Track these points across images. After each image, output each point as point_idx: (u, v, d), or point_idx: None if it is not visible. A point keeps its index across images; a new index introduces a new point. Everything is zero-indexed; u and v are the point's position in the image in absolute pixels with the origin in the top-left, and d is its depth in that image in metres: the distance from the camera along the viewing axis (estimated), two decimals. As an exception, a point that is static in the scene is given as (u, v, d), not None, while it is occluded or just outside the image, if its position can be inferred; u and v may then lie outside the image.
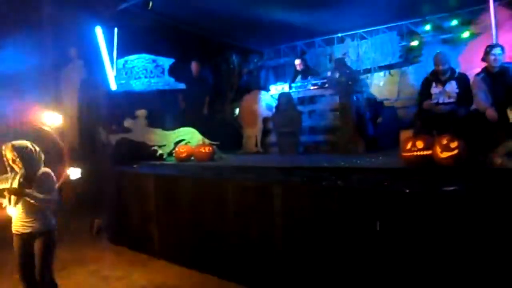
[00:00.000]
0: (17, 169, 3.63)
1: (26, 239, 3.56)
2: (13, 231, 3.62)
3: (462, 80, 5.28)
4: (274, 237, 4.50)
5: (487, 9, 6.40)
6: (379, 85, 9.03)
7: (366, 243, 3.69)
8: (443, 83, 5.33)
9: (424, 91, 5.50)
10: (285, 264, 4.37)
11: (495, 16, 6.20)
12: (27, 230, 3.55)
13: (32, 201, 3.46)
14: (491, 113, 4.68)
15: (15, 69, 6.76)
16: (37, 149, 3.71)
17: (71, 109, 7.97)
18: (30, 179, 3.57)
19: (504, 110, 4.49)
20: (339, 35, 9.76)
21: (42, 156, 3.74)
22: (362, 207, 3.76)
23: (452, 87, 5.28)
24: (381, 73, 9.17)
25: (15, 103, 6.55)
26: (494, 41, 5.89)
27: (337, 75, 7.29)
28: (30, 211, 3.54)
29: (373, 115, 7.44)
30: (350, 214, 3.84)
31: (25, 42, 6.81)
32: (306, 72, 8.65)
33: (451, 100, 5.26)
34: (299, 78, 8.54)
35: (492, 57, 4.95)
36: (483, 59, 5.07)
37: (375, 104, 7.73)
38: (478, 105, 4.94)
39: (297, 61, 8.85)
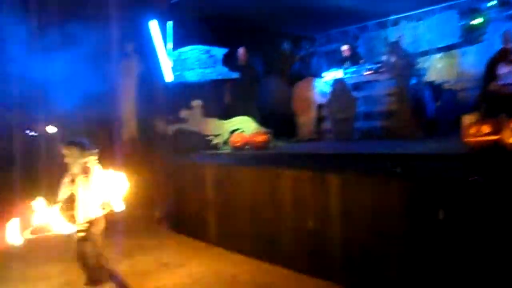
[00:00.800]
0: (74, 169, 3.61)
1: None
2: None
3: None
4: (331, 227, 4.45)
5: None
6: (438, 67, 8.67)
7: (428, 234, 3.57)
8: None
9: (490, 72, 5.23)
10: (342, 255, 4.32)
11: None
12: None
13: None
14: None
15: (75, 65, 7.10)
16: (89, 150, 3.65)
17: (130, 101, 8.24)
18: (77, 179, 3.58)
19: None
20: (393, 17, 9.43)
21: (93, 158, 3.68)
22: (424, 196, 3.64)
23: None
24: (439, 55, 8.79)
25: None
26: None
27: (392, 59, 7.08)
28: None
29: (431, 99, 7.18)
30: (411, 203, 3.72)
31: (86, 38, 7.09)
32: (354, 58, 8.45)
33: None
34: (347, 64, 8.35)
35: None
36: None
37: (433, 88, 7.46)
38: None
39: (344, 47, 8.66)
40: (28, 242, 3.29)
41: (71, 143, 3.64)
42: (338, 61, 8.71)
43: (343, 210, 4.31)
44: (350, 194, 4.26)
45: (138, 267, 5.17)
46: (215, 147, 7.25)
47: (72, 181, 3.57)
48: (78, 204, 3.52)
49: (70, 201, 3.53)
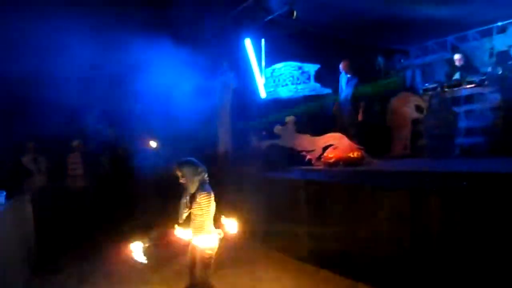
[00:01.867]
0: (190, 188, 3.79)
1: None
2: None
3: None
4: (429, 249, 4.26)
5: None
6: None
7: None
8: None
9: None
10: (440, 277, 4.11)
11: None
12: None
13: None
14: None
15: (177, 84, 7.57)
16: (201, 168, 3.82)
17: (225, 116, 8.57)
18: (192, 198, 3.75)
19: None
20: (499, 24, 8.82)
21: (205, 175, 3.83)
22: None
23: None
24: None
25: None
26: None
27: (499, 70, 6.64)
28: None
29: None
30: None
31: (186, 57, 7.55)
32: (467, 68, 8.01)
33: None
34: (457, 75, 7.93)
35: None
36: None
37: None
38: None
39: (457, 56, 8.23)
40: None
41: (184, 163, 3.81)
42: (444, 72, 8.33)
43: (443, 232, 4.12)
44: (451, 214, 4.06)
45: (231, 280, 5.31)
46: (308, 163, 7.27)
47: (190, 200, 3.76)
48: (198, 221, 3.75)
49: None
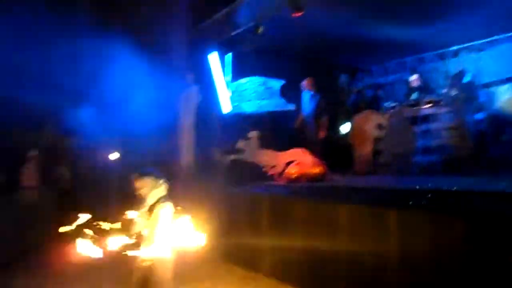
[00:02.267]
0: (147, 200, 3.63)
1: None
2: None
3: None
4: (387, 265, 4.34)
5: None
6: (502, 100, 8.33)
7: (494, 276, 3.40)
8: None
9: None
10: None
11: None
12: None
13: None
14: None
15: (138, 95, 7.47)
16: (162, 180, 3.69)
17: (188, 130, 8.49)
18: (150, 211, 3.58)
19: None
20: (454, 48, 9.23)
21: (165, 188, 3.70)
22: (489, 235, 3.49)
23: None
24: (505, 87, 8.45)
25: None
26: None
27: (453, 92, 6.92)
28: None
29: (496, 133, 6.91)
30: (476, 243, 3.57)
31: (148, 68, 7.47)
32: (423, 89, 8.30)
33: None
34: (414, 95, 8.21)
35: None
36: None
37: (497, 122, 7.18)
38: None
39: (413, 77, 8.52)
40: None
41: (145, 174, 3.66)
42: (402, 92, 8.58)
43: (401, 247, 4.20)
44: (409, 230, 4.16)
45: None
46: (271, 178, 7.29)
47: (146, 212, 3.59)
48: (149, 235, 3.53)
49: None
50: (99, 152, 8.52)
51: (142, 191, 3.63)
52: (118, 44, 7.52)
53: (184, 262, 3.81)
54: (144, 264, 3.58)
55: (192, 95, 8.27)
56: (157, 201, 3.60)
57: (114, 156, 8.15)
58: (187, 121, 8.43)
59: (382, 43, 8.53)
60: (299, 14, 6.75)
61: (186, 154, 8.38)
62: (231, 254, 6.83)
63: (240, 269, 6.40)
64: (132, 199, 3.73)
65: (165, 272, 3.63)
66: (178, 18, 8.57)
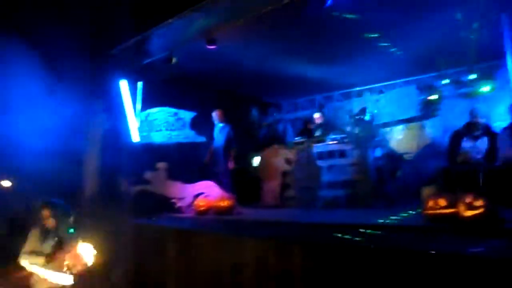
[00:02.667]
0: (50, 228, 3.55)
1: None
2: None
3: (493, 136, 5.22)
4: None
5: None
6: (398, 139, 9.00)
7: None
8: (476, 138, 5.27)
9: (455, 144, 5.44)
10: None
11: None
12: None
13: None
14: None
15: (43, 120, 7.01)
16: (71, 210, 3.66)
17: (94, 158, 8.08)
18: (62, 244, 3.52)
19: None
20: (357, 89, 9.86)
21: (73, 218, 3.66)
22: (387, 267, 3.65)
23: (483, 143, 5.21)
24: (400, 127, 9.15)
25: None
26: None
27: (355, 129, 7.32)
28: None
29: (392, 169, 7.38)
30: (376, 274, 3.72)
31: (54, 91, 7.07)
32: (325, 126, 8.69)
33: (479, 156, 5.20)
34: (318, 132, 8.56)
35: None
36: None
37: (395, 159, 7.69)
38: (503, 159, 4.87)
39: (316, 115, 8.92)
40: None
41: (57, 204, 3.61)
42: (307, 129, 8.92)
43: (305, 280, 4.25)
44: (313, 263, 4.23)
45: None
46: (179, 210, 7.14)
47: (57, 243, 3.51)
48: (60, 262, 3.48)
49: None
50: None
51: (51, 221, 3.53)
52: (25, 66, 7.09)
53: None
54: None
55: (99, 122, 7.93)
56: (66, 231, 3.55)
57: (5, 183, 7.49)
58: (93, 148, 8.04)
59: (293, 80, 8.90)
60: (213, 46, 6.83)
61: (91, 183, 7.94)
62: (135, 284, 6.52)
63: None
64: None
65: None
66: (88, 41, 8.26)
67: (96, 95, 8.23)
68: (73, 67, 7.99)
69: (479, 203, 3.87)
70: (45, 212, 3.55)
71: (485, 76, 8.01)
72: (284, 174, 8.07)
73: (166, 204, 7.18)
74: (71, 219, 3.65)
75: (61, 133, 7.19)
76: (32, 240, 3.55)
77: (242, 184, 8.18)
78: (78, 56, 8.10)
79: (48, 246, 3.55)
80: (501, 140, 4.95)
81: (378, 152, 7.39)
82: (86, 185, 7.92)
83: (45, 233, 3.59)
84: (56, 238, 3.55)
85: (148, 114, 8.20)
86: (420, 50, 7.16)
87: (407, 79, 9.17)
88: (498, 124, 5.73)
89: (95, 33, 7.94)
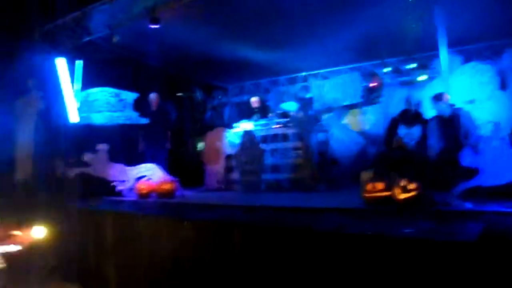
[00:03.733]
0: None
1: None
2: None
3: (425, 124, 5.44)
4: (234, 281, 4.39)
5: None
6: (340, 124, 9.19)
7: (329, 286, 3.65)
8: (410, 125, 5.48)
9: (392, 131, 5.63)
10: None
11: (448, 61, 6.44)
12: None
13: None
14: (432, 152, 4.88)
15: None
16: None
17: (27, 140, 7.68)
18: None
19: (456, 153, 4.62)
20: (303, 74, 9.95)
21: None
22: (324, 249, 3.74)
23: (417, 130, 5.43)
24: (343, 112, 9.36)
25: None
26: (446, 86, 6.14)
27: (299, 114, 7.41)
28: None
29: (334, 155, 7.56)
30: (312, 256, 3.80)
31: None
32: (263, 110, 8.75)
33: (413, 142, 5.42)
34: (257, 116, 8.59)
35: (442, 105, 5.14)
36: (434, 106, 5.26)
37: (336, 143, 7.88)
38: (429, 148, 5.10)
39: (254, 99, 8.96)
40: None
41: None
42: (248, 113, 8.93)
43: (246, 262, 4.28)
44: (253, 246, 4.26)
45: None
46: (120, 194, 6.96)
47: None
48: None
49: None
50: None
51: None
52: None
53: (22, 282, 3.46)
54: None
55: (32, 102, 7.52)
56: None
57: None
58: (26, 130, 7.63)
59: (239, 63, 8.84)
60: (156, 25, 6.63)
61: (24, 167, 7.55)
62: (75, 274, 6.27)
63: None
64: None
65: None
66: (22, 15, 7.78)
67: (29, 73, 7.79)
68: (3, 44, 7.51)
69: (412, 186, 4.05)
70: None
71: (423, 65, 8.34)
72: (228, 157, 8.05)
73: (106, 188, 6.96)
74: None
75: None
76: None
77: (186, 167, 8.09)
78: (9, 31, 7.64)
79: None
80: (429, 130, 5.16)
81: (321, 137, 7.54)
82: (19, 169, 7.54)
83: None
84: None
85: (88, 95, 7.87)
86: (363, 37, 7.32)
87: (351, 65, 9.34)
88: (431, 113, 5.99)
89: (28, 8, 7.50)
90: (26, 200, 6.98)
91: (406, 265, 3.25)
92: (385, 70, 8.99)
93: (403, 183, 4.13)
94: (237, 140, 7.88)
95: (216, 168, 8.09)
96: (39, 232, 3.56)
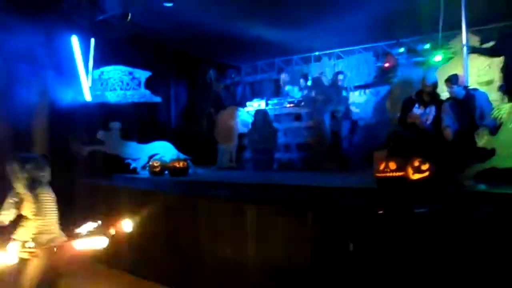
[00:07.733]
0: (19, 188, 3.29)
1: None
2: None
3: (440, 105, 5.36)
4: (247, 258, 4.44)
5: (458, 34, 6.55)
6: (354, 104, 9.12)
7: (340, 264, 3.68)
8: (426, 105, 5.42)
9: (407, 110, 5.58)
10: (257, 282, 4.32)
11: (467, 41, 6.32)
12: None
13: None
14: (447, 133, 4.82)
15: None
16: (29, 164, 3.34)
17: (42, 119, 7.74)
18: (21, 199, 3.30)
19: (471, 135, 4.56)
20: (316, 53, 9.85)
21: (36, 173, 3.38)
22: (336, 227, 3.77)
23: (431, 110, 5.36)
24: (356, 93, 9.28)
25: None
26: (464, 66, 6.03)
27: (312, 93, 7.36)
28: None
29: (347, 134, 7.53)
30: (324, 234, 3.83)
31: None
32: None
33: (428, 122, 5.36)
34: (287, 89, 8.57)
35: (456, 88, 5.04)
36: (448, 88, 5.16)
37: (350, 123, 7.83)
38: (443, 129, 5.03)
39: (283, 75, 8.94)
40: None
41: (11, 159, 3.35)
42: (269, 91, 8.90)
43: (258, 240, 4.33)
44: (265, 224, 4.30)
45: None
46: (133, 171, 7.04)
47: (18, 201, 3.28)
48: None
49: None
50: None
51: (11, 177, 3.33)
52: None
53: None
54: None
55: (48, 80, 7.55)
56: (29, 187, 3.32)
57: None
58: (41, 107, 7.69)
59: (252, 42, 8.76)
60: (170, 4, 6.60)
61: (39, 143, 7.65)
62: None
63: (102, 267, 6.01)
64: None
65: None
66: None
67: (44, 50, 7.81)
68: (18, 22, 7.52)
69: (425, 167, 4.01)
70: (7, 167, 3.32)
71: (439, 46, 8.17)
72: (241, 136, 8.07)
73: (121, 165, 7.03)
74: (31, 174, 3.32)
75: (10, 89, 6.85)
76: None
77: (199, 145, 8.12)
78: (24, 10, 7.63)
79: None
80: (443, 111, 5.09)
81: (334, 117, 7.50)
82: (33, 145, 7.63)
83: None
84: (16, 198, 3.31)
85: (102, 73, 7.89)
86: (378, 16, 7.20)
87: (364, 45, 9.21)
88: (447, 94, 5.91)
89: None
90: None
91: (416, 242, 3.27)
92: (399, 50, 8.84)
93: (416, 163, 4.08)
94: (250, 119, 7.89)
95: (229, 146, 8.12)
96: (128, 226, 3.58)
